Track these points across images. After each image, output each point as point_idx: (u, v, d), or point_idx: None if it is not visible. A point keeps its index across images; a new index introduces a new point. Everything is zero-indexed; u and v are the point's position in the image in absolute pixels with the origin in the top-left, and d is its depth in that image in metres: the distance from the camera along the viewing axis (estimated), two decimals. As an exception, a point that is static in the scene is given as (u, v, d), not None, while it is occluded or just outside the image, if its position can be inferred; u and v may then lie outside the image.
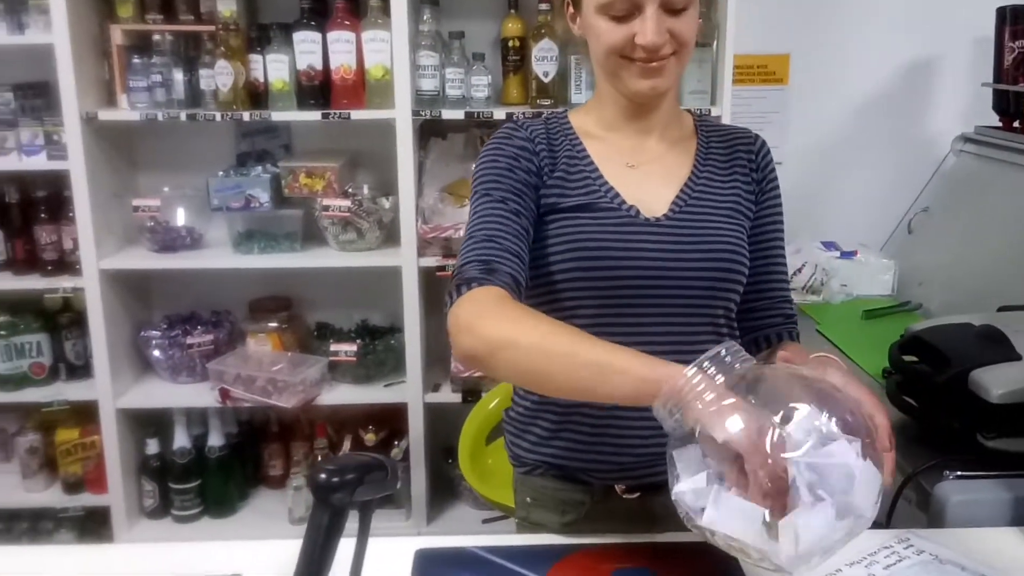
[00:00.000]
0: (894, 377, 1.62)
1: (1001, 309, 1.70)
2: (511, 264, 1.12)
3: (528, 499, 1.31)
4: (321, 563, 0.92)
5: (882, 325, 2.22)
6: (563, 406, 1.24)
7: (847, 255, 2.51)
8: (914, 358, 1.60)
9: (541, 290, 1.21)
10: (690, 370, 0.91)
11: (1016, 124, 2.35)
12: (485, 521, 2.55)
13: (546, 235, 1.19)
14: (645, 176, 1.24)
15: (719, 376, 0.91)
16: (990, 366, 1.42)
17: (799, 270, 2.40)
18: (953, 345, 1.51)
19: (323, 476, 0.93)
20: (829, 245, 2.56)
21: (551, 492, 1.28)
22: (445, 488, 2.72)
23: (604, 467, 1.23)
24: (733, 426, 0.85)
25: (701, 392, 0.88)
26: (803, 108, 2.69)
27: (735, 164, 1.28)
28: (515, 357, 1.01)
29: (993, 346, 1.47)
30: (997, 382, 1.38)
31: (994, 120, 2.44)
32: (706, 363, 0.92)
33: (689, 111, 1.36)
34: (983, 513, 1.29)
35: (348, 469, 0.96)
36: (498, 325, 1.02)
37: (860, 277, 2.46)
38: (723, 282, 1.20)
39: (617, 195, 1.21)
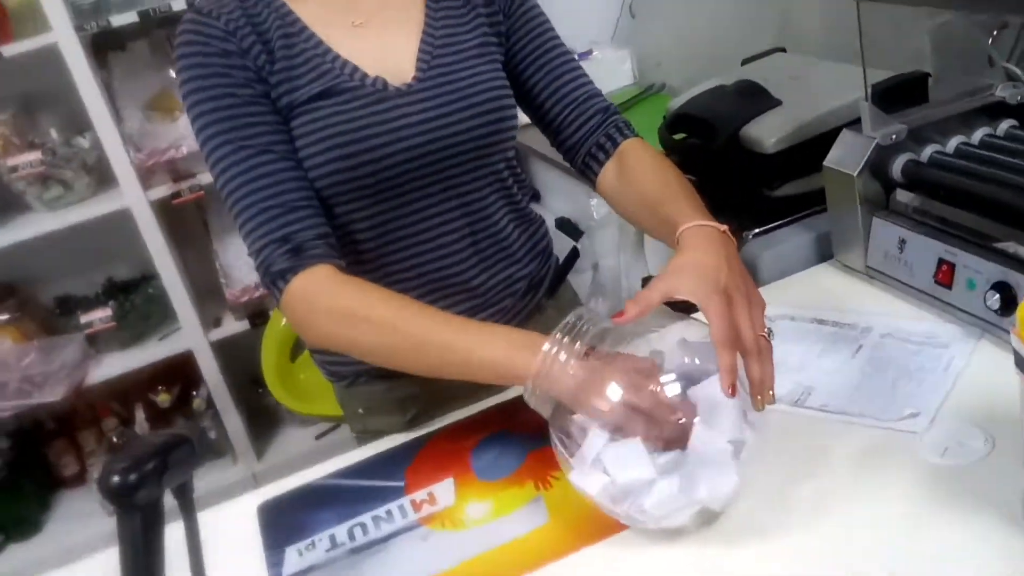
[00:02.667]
0: (670, 158, 1.60)
1: (745, 62, 1.71)
2: (310, 223, 0.98)
3: (360, 410, 1.19)
4: (150, 573, 0.76)
5: (637, 114, 2.22)
6: None
7: (583, 56, 2.46)
8: (683, 135, 1.59)
9: None
10: (547, 346, 0.84)
11: None
12: (319, 436, 2.42)
13: (295, 140, 1.01)
14: (378, 33, 1.06)
15: (576, 343, 0.85)
16: (756, 119, 1.42)
17: (544, 84, 2.33)
18: (716, 110, 1.50)
19: (117, 478, 0.75)
20: (563, 51, 2.50)
21: (382, 395, 1.16)
22: (265, 418, 2.55)
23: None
24: (613, 395, 0.82)
25: (564, 369, 0.83)
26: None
27: None
28: (366, 352, 0.97)
29: (753, 99, 1.47)
30: (768, 132, 1.38)
31: None
32: (559, 335, 0.85)
33: None
34: (792, 259, 1.31)
35: (144, 458, 0.79)
36: (335, 324, 0.96)
37: (602, 74, 2.39)
38: (497, 133, 1.08)
39: (356, 69, 1.03)
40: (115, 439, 2.32)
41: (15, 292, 2.33)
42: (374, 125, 1.01)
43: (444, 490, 1.01)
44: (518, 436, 1.06)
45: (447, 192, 1.07)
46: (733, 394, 0.80)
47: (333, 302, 0.95)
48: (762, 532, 0.83)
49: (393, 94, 1.03)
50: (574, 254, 1.29)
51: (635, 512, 0.82)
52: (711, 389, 0.82)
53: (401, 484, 1.03)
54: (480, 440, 1.07)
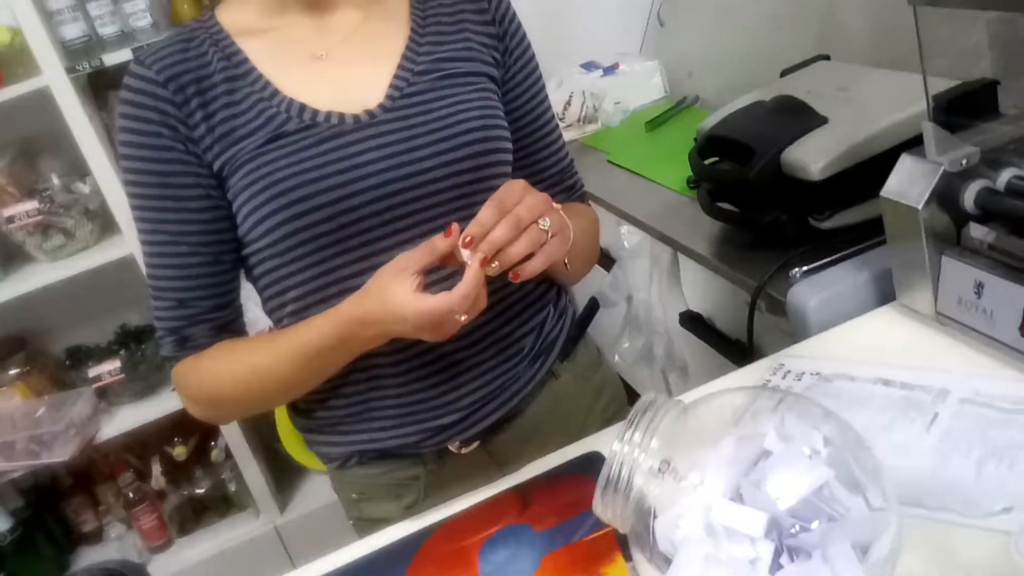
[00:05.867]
0: (703, 186, 1.44)
1: (784, 73, 1.54)
2: (202, 316, 0.96)
3: (354, 495, 1.05)
4: None
5: (669, 132, 2.06)
6: (355, 384, 0.98)
7: (609, 70, 2.30)
8: (716, 159, 1.42)
9: (263, 265, 0.95)
10: (616, 446, 0.71)
11: None
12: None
13: (236, 195, 0.90)
14: (342, 64, 0.94)
15: (651, 439, 0.71)
16: (799, 141, 1.25)
17: (568, 103, 2.18)
18: (752, 131, 1.33)
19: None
20: (589, 66, 2.34)
21: (376, 479, 1.02)
22: (287, 468, 2.42)
23: (426, 434, 0.98)
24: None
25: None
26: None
27: (463, 19, 0.99)
28: (236, 408, 1.05)
29: (794, 118, 1.30)
30: (813, 157, 1.21)
31: None
32: (628, 432, 0.71)
33: None
34: (848, 302, 1.14)
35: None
36: (198, 404, 1.00)
37: (630, 89, 2.27)
38: (482, 168, 0.93)
39: (304, 107, 0.90)
40: (131, 495, 2.21)
41: (25, 344, 2.24)
42: (327, 164, 0.88)
43: (446, 606, 0.86)
44: (532, 532, 0.91)
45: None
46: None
47: (189, 390, 0.98)
48: None
49: (350, 127, 0.90)
50: (593, 306, 1.13)
51: None
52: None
53: (396, 598, 0.89)
54: (488, 537, 0.92)
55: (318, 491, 2.35)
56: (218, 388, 0.95)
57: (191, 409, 1.00)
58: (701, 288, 1.65)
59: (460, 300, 0.79)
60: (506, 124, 0.97)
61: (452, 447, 1.00)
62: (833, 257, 1.21)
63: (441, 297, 0.79)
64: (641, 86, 2.29)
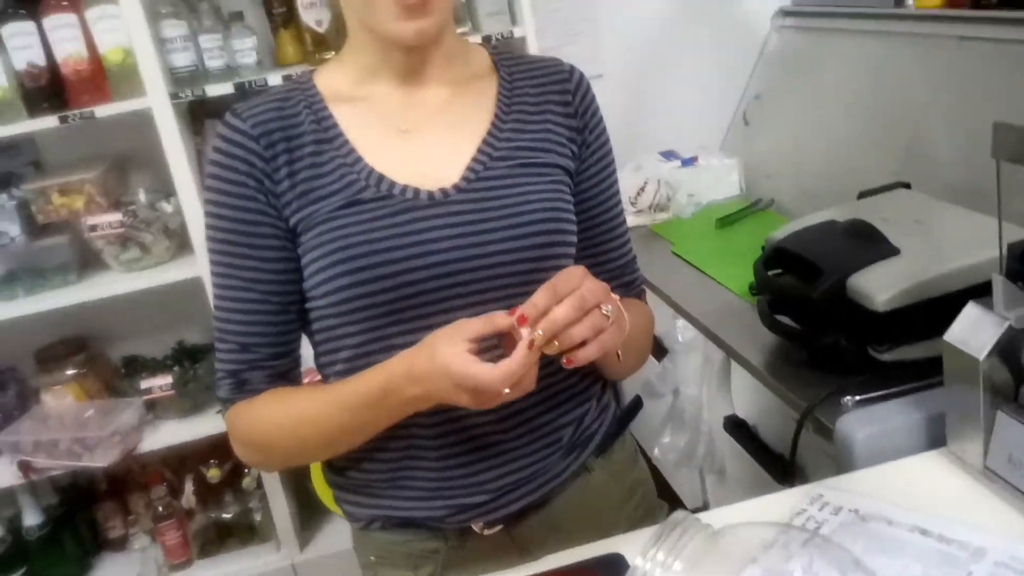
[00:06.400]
0: (764, 296, 1.44)
1: (862, 195, 1.54)
2: (262, 363, 0.99)
3: (372, 558, 1.05)
4: None
5: (739, 231, 2.06)
6: (391, 451, 0.99)
7: (688, 162, 2.32)
8: (781, 271, 1.42)
9: (321, 321, 0.98)
10: (639, 560, 0.74)
11: (832, -11, 2.20)
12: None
13: (306, 252, 0.94)
14: (425, 140, 0.97)
15: (675, 561, 0.73)
16: (867, 268, 1.24)
17: (642, 189, 2.19)
18: (822, 251, 1.33)
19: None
20: (668, 155, 2.37)
21: (397, 546, 1.03)
22: (315, 506, 2.43)
23: (452, 511, 0.99)
24: None
25: None
26: (614, 11, 2.46)
27: (547, 108, 1.02)
28: (284, 456, 1.04)
29: (865, 243, 1.30)
30: (879, 287, 1.20)
31: (809, -11, 2.29)
32: (652, 549, 0.74)
33: (485, 43, 1.09)
34: (894, 441, 1.12)
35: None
36: (247, 448, 1.00)
37: (706, 183, 2.28)
38: (544, 259, 0.95)
39: (382, 178, 0.94)
40: (160, 509, 2.24)
41: (86, 347, 2.31)
42: (396, 236, 0.91)
43: None
44: (543, 627, 0.90)
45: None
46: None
47: (240, 434, 0.99)
48: None
49: (424, 203, 0.93)
50: (636, 404, 1.13)
51: None
52: None
53: (399, 670, 0.88)
54: (499, 622, 0.92)
55: (340, 535, 2.35)
56: (266, 433, 0.97)
57: (240, 453, 1.01)
58: (750, 396, 1.63)
59: (503, 376, 0.80)
60: (573, 216, 0.99)
61: (476, 527, 1.00)
62: (888, 391, 1.19)
63: (486, 367, 0.80)
64: (717, 181, 2.30)
